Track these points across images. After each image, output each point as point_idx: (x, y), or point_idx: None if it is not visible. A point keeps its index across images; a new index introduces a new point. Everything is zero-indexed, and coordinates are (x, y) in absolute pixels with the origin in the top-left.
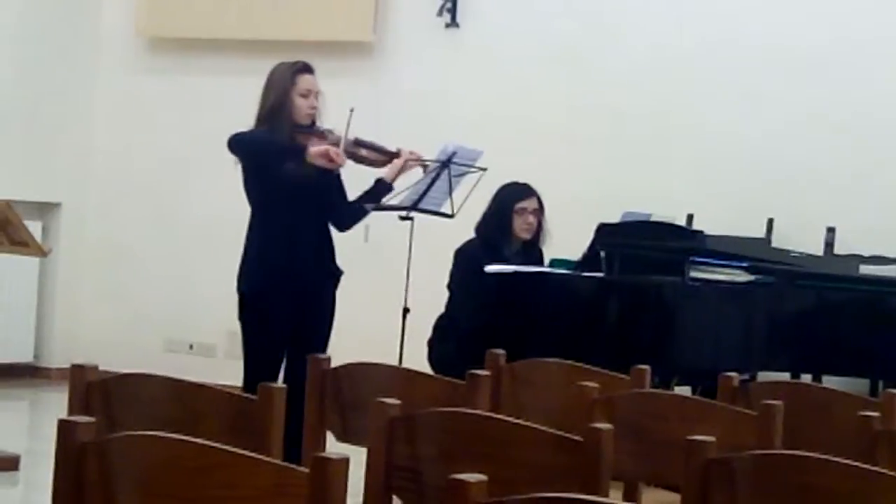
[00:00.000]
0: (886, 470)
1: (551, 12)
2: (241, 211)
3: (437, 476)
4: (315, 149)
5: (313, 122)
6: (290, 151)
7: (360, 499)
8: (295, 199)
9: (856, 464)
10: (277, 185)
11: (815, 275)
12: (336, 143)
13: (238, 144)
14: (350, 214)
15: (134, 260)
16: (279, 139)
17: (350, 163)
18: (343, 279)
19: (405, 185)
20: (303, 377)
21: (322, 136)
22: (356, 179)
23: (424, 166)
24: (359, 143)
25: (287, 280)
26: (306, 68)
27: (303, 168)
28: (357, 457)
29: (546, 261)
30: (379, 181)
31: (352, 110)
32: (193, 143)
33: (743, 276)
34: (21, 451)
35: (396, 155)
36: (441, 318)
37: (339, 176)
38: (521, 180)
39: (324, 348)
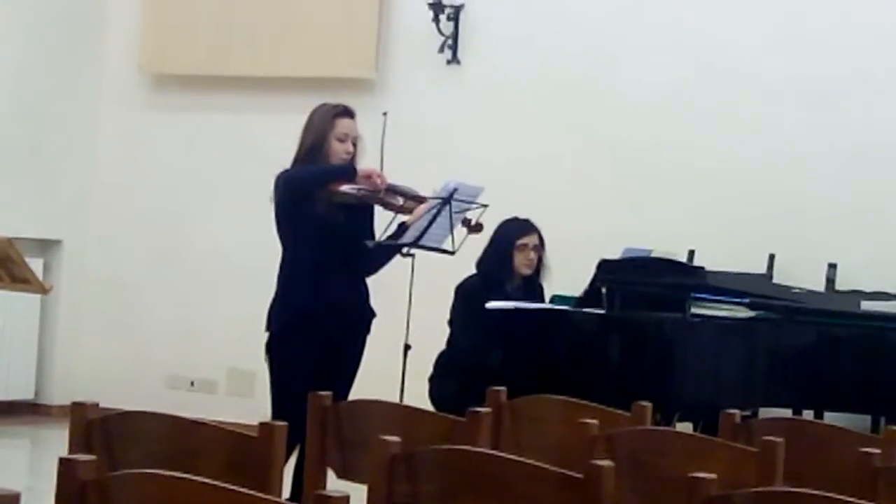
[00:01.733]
0: None
1: (552, 49)
2: (243, 248)
3: None
4: (362, 168)
5: None
6: (341, 170)
7: None
8: (324, 241)
9: (857, 501)
10: (308, 226)
11: (816, 311)
12: (366, 189)
13: (289, 181)
14: (377, 258)
15: (135, 297)
16: (326, 165)
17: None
18: None
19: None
20: None
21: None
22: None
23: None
24: (392, 190)
25: (313, 321)
26: (346, 112)
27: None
28: (357, 494)
29: (547, 297)
30: (402, 225)
31: (384, 114)
32: (195, 179)
33: (744, 312)
34: (21, 489)
35: (418, 198)
36: (442, 355)
37: (371, 220)
38: (522, 216)
39: (347, 390)
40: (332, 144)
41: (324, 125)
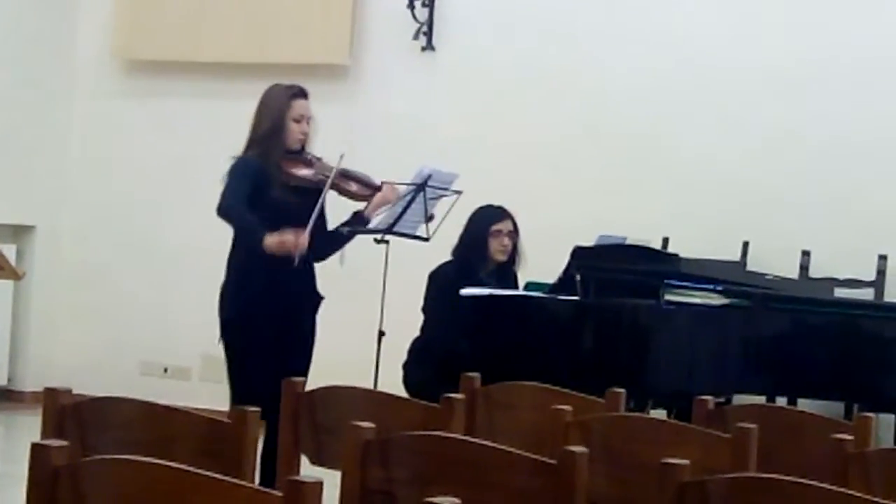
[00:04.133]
0: (859, 493)
1: (527, 36)
2: (216, 234)
3: (412, 499)
4: (271, 239)
5: (303, 148)
6: (251, 234)
7: None
8: (276, 226)
9: (829, 487)
10: (264, 210)
11: (789, 298)
12: (322, 173)
13: (221, 210)
14: (329, 244)
15: (109, 283)
16: (243, 221)
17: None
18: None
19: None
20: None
21: (310, 163)
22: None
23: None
24: (346, 176)
25: (268, 306)
26: (302, 93)
27: (295, 204)
28: (331, 480)
29: (521, 283)
30: (357, 214)
31: (342, 156)
32: (169, 165)
33: (718, 300)
34: None
35: (379, 188)
36: (416, 342)
37: (322, 205)
38: (496, 203)
39: (305, 373)
40: (289, 126)
41: (280, 107)
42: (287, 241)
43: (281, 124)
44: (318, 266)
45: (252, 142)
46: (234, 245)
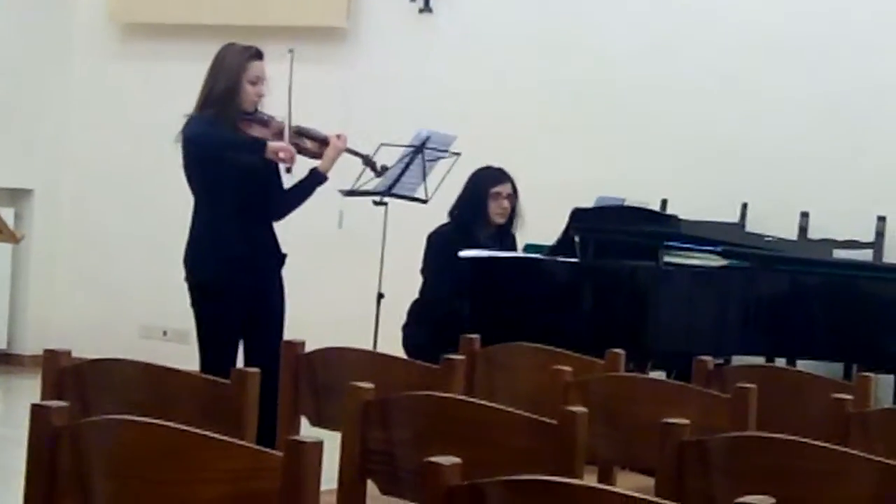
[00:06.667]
0: (859, 452)
1: None
2: None
3: (412, 459)
4: (274, 144)
5: (255, 109)
6: (250, 146)
7: (335, 483)
8: (244, 187)
9: (829, 446)
10: (232, 170)
11: (789, 259)
12: (279, 131)
13: (199, 144)
14: (286, 203)
15: (108, 246)
16: (238, 137)
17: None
18: (318, 265)
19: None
20: (266, 361)
21: (265, 123)
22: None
23: (356, 154)
24: (300, 133)
25: (244, 267)
26: (258, 54)
27: (262, 160)
28: (331, 441)
29: (520, 245)
30: (314, 171)
31: (291, 50)
32: (167, 128)
33: (717, 261)
34: None
35: (327, 141)
36: (415, 304)
37: (276, 164)
38: (496, 165)
39: (281, 331)
40: (244, 87)
41: (237, 68)
42: (282, 148)
43: (237, 86)
44: (316, 228)
45: (206, 101)
46: (198, 207)
